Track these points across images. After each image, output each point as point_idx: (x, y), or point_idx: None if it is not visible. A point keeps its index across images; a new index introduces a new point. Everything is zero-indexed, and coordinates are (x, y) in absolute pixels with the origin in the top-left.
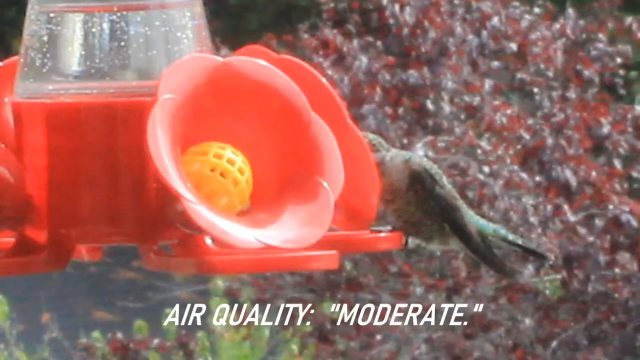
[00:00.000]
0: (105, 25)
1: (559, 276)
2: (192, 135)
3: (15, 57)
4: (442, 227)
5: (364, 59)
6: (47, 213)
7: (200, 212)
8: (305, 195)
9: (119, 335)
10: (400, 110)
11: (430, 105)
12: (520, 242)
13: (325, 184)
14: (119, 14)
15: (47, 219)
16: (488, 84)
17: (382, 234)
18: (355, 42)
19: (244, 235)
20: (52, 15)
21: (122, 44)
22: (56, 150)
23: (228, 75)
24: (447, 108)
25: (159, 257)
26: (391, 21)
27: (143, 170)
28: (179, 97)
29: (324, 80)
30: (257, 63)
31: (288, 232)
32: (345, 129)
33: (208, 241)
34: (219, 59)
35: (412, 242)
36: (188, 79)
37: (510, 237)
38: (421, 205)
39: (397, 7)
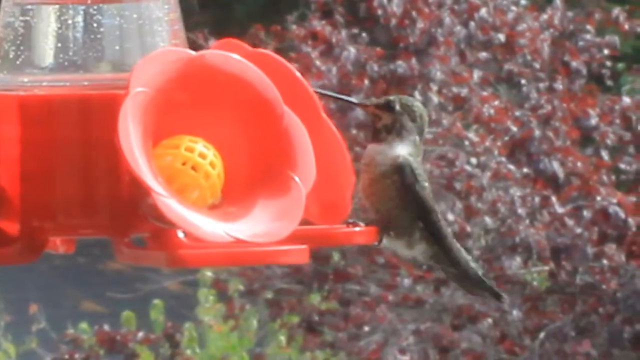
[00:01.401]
0: (80, 18)
1: (546, 267)
2: (164, 128)
3: None
4: (413, 227)
5: (352, 50)
6: (20, 205)
7: (170, 205)
8: (276, 189)
9: (106, 326)
10: None
11: (418, 96)
12: (485, 280)
13: (297, 178)
14: (93, 6)
15: (20, 211)
16: (476, 74)
17: (357, 229)
18: (344, 32)
19: (214, 228)
20: (26, 7)
21: (97, 36)
22: (29, 142)
23: (200, 69)
24: (435, 99)
25: (130, 250)
26: (379, 12)
27: (116, 163)
28: (150, 90)
29: (298, 74)
30: (229, 56)
31: (258, 226)
32: (319, 123)
33: (180, 235)
34: (192, 52)
35: (387, 241)
36: (160, 72)
37: (480, 271)
38: (398, 197)
39: None
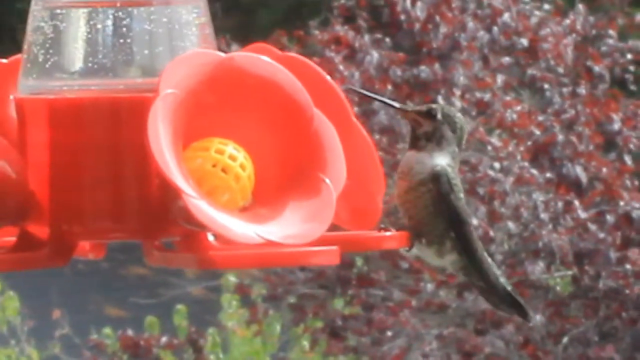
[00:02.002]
0: (109, 22)
1: (570, 272)
2: (193, 131)
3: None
4: (445, 236)
5: (375, 54)
6: (49, 209)
7: (201, 207)
8: (307, 191)
9: (130, 331)
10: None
11: (441, 101)
12: (513, 296)
13: (327, 180)
14: (122, 10)
15: (49, 215)
16: (500, 79)
17: (388, 234)
18: (367, 37)
19: (245, 230)
20: (55, 11)
21: (126, 40)
22: (59, 146)
23: (230, 71)
24: (458, 104)
25: (160, 253)
26: (402, 16)
27: (145, 166)
28: (180, 92)
29: (328, 77)
30: (259, 59)
31: (289, 228)
32: (350, 127)
33: (210, 237)
34: (221, 54)
35: (417, 248)
36: (190, 74)
37: (509, 287)
38: (433, 206)
39: (408, 2)
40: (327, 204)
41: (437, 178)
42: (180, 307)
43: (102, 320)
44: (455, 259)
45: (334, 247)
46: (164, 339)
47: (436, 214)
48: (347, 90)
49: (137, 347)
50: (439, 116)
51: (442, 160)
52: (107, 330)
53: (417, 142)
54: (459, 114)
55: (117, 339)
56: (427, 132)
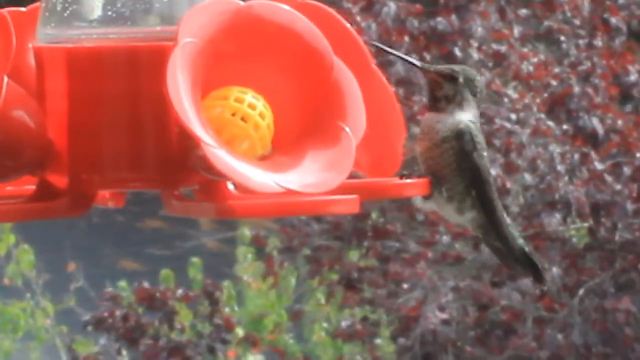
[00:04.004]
0: None
1: (586, 224)
2: (213, 79)
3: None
4: (465, 194)
5: (392, 6)
6: (68, 158)
7: (220, 156)
8: (326, 140)
9: (145, 284)
10: (429, 57)
11: (458, 53)
12: (531, 258)
13: (347, 128)
14: None
15: (68, 165)
16: (517, 30)
17: (409, 181)
18: None
19: (264, 179)
20: None
21: None
22: (77, 95)
23: (249, 19)
24: (475, 55)
25: (180, 203)
26: None
27: (164, 115)
28: (199, 41)
29: (348, 25)
30: (278, 7)
31: (308, 177)
32: (370, 75)
33: (230, 186)
34: (240, 2)
35: (436, 204)
36: (209, 22)
37: (526, 248)
38: (455, 163)
39: None
40: (346, 152)
41: (461, 135)
42: (195, 259)
43: (117, 273)
44: (475, 216)
45: (354, 196)
46: (179, 292)
47: (459, 171)
48: (370, 44)
49: (152, 299)
50: (461, 80)
51: (465, 117)
52: (122, 283)
53: (437, 103)
54: (478, 77)
55: (132, 291)
56: (448, 95)
